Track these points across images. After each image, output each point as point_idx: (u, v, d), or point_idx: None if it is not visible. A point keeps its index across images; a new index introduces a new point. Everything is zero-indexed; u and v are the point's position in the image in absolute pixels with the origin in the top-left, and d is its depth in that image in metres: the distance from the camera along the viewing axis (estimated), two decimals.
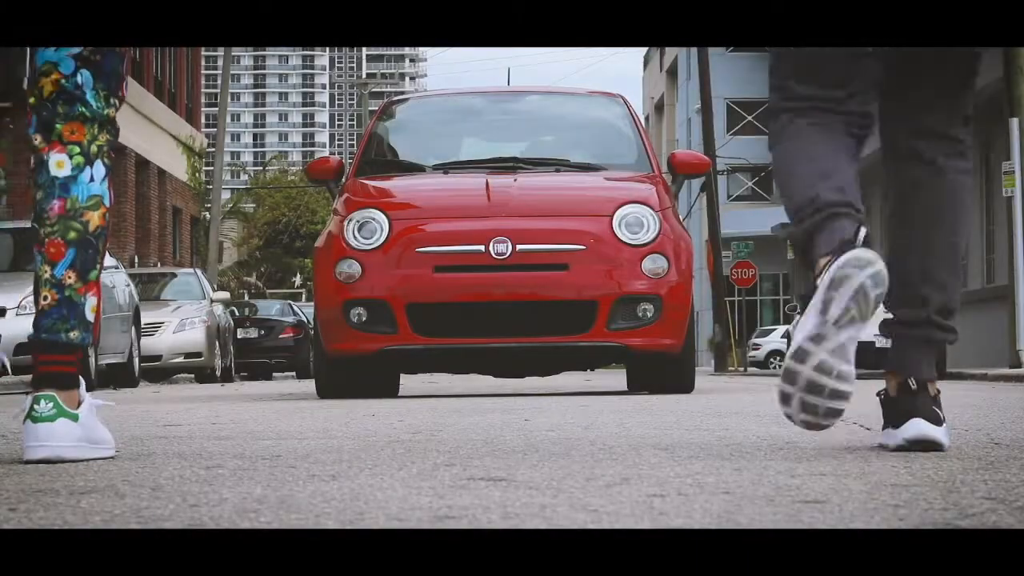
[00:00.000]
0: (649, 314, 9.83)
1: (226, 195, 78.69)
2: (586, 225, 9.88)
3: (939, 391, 3.79)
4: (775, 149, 3.78)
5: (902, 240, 3.82)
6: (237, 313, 31.86)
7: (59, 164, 3.60)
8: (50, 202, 3.58)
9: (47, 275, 3.58)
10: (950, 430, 3.70)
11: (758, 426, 5.07)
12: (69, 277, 3.57)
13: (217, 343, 24.40)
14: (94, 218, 3.61)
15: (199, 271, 27.80)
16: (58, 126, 3.65)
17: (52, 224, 3.58)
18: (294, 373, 32.85)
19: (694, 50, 52.87)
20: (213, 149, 42.96)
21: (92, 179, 3.63)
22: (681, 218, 10.61)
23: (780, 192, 3.73)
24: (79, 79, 3.66)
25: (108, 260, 17.66)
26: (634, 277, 9.81)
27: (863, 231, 3.50)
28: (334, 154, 33.91)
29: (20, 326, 15.77)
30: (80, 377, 3.59)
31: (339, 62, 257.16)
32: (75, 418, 3.52)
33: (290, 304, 36.49)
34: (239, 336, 30.42)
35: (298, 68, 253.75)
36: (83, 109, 3.66)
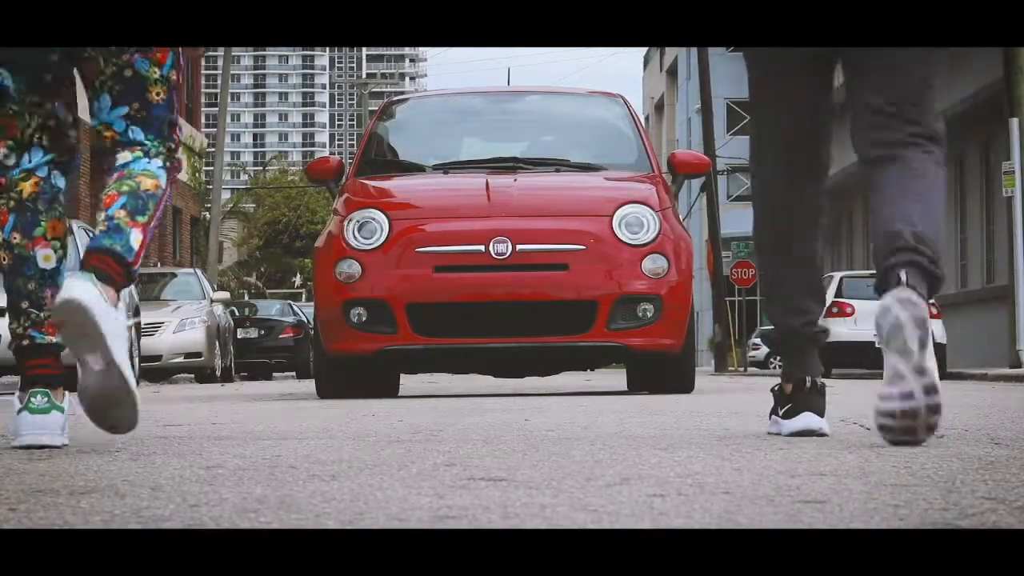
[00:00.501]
0: (649, 314, 9.82)
1: (226, 195, 78.72)
2: (586, 225, 9.88)
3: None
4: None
5: (882, 207, 4.20)
6: (237, 313, 31.87)
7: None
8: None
9: (101, 216, 4.01)
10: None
11: (758, 426, 5.07)
12: (119, 212, 3.98)
13: (217, 343, 24.39)
14: (147, 181, 4.06)
15: (199, 271, 27.79)
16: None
17: (109, 187, 4.05)
18: (294, 373, 32.85)
19: (694, 50, 52.89)
20: (213, 149, 42.96)
21: (151, 166, 4.09)
22: (681, 218, 10.61)
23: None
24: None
25: None
26: (634, 277, 9.81)
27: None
28: (334, 154, 33.88)
29: None
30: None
31: (339, 62, 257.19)
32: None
33: (290, 304, 36.49)
34: (239, 336, 30.43)
35: (298, 68, 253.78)
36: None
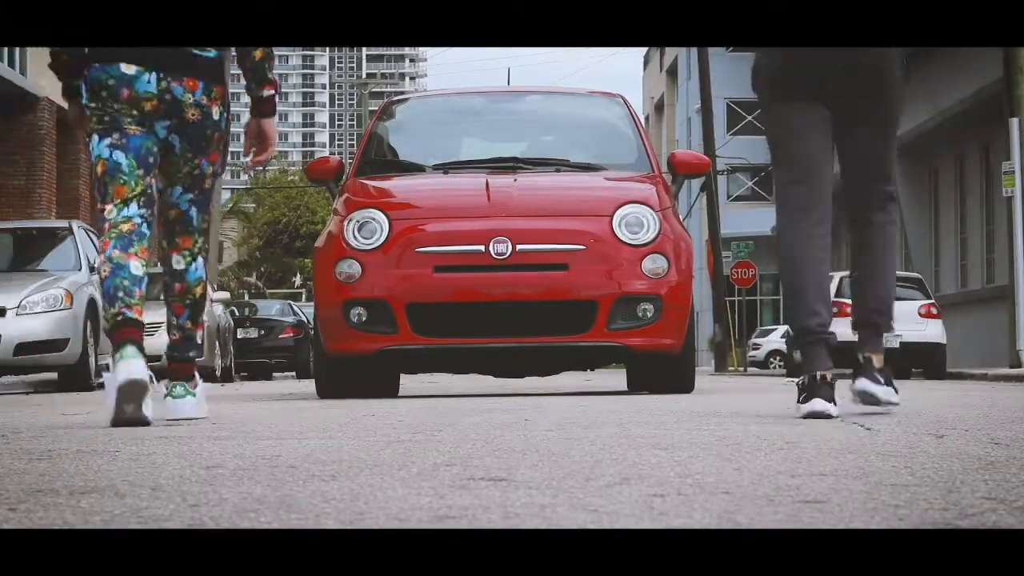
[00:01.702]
0: (649, 314, 9.82)
1: (226, 195, 78.68)
2: (586, 225, 9.88)
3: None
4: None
5: (858, 281, 6.26)
6: (237, 313, 31.86)
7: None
8: (173, 284, 6.25)
9: (174, 322, 6.23)
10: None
11: (758, 426, 5.07)
12: (187, 324, 6.25)
13: (217, 343, 24.38)
14: (198, 290, 6.25)
15: None
16: (176, 239, 6.24)
17: (175, 295, 6.25)
18: (294, 373, 32.84)
19: (694, 50, 52.88)
20: None
21: (197, 269, 6.25)
22: (681, 218, 10.60)
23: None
24: (191, 210, 6.22)
25: None
26: (634, 277, 9.81)
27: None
28: (334, 154, 33.84)
29: (20, 326, 15.76)
30: (196, 372, 6.25)
31: (339, 62, 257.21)
32: (194, 395, 6.15)
33: (290, 304, 36.47)
34: (239, 336, 30.41)
35: (298, 68, 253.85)
36: (190, 227, 6.25)
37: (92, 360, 16.43)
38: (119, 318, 5.72)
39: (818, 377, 5.66)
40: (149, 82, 5.85)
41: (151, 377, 5.64)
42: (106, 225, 5.88)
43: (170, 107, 5.91)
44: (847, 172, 6.05)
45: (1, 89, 27.95)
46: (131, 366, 5.58)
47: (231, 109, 6.09)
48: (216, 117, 6.01)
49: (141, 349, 5.67)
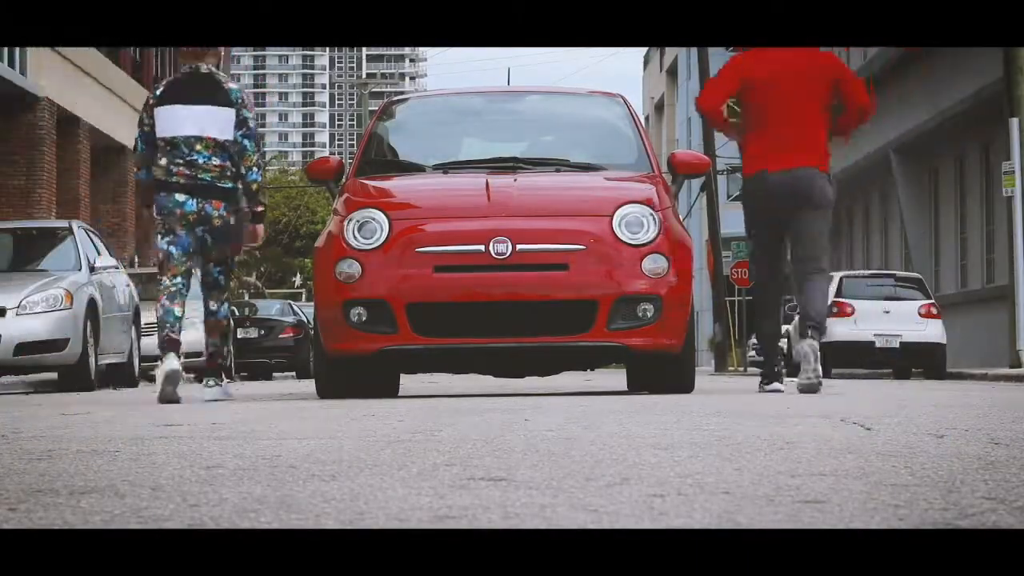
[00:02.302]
0: (649, 314, 9.82)
1: None
2: (586, 225, 9.87)
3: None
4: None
5: (803, 303, 10.17)
6: (237, 313, 31.85)
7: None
8: (208, 318, 10.50)
9: (208, 340, 10.56)
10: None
11: (758, 426, 5.07)
12: (217, 342, 10.59)
13: None
14: (224, 322, 10.56)
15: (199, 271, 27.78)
16: (212, 292, 10.47)
17: (210, 326, 10.51)
18: (294, 373, 32.84)
19: (694, 50, 52.87)
20: None
21: (223, 311, 10.51)
22: (681, 218, 10.60)
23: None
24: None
25: (108, 260, 17.73)
26: (634, 277, 9.80)
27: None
28: (334, 154, 33.81)
29: (20, 326, 15.76)
30: (222, 372, 10.33)
31: (339, 62, 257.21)
32: (220, 386, 10.11)
33: (290, 304, 36.47)
34: (239, 336, 30.42)
35: (298, 68, 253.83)
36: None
37: (92, 360, 16.43)
38: (166, 337, 9.71)
39: (774, 368, 10.59)
40: (191, 205, 9.88)
41: (183, 373, 9.64)
42: (162, 287, 9.94)
43: (203, 218, 9.91)
44: (794, 251, 10.43)
45: (1, 89, 27.94)
46: (172, 363, 9.53)
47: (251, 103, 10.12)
48: (233, 223, 10.05)
49: (178, 355, 9.62)
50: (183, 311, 9.83)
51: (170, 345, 9.62)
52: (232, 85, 10.02)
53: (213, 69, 9.94)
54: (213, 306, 10.31)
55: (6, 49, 27.84)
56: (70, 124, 31.32)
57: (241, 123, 9.90)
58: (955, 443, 4.05)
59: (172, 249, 9.88)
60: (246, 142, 9.92)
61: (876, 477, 2.98)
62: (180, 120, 9.84)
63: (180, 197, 9.80)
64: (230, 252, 10.26)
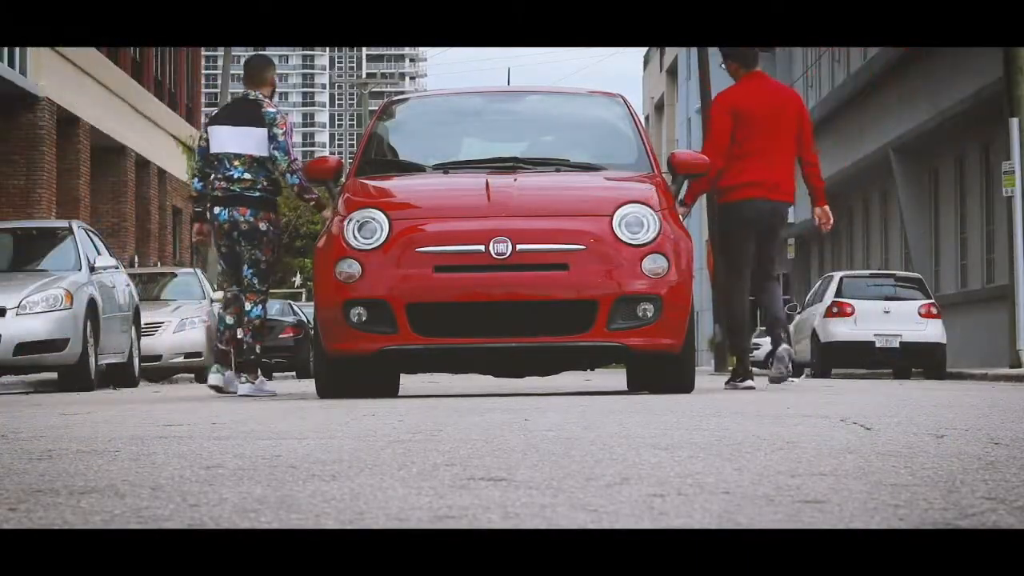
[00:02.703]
0: (649, 314, 9.81)
1: None
2: (586, 225, 9.87)
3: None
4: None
5: (765, 308, 12.02)
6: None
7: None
8: (243, 317, 11.51)
9: (241, 337, 11.45)
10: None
11: (758, 426, 5.07)
12: (250, 340, 11.44)
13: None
14: (257, 321, 11.48)
15: (199, 271, 27.79)
16: (247, 294, 11.69)
17: (244, 323, 11.47)
18: (294, 373, 32.84)
19: (694, 50, 52.86)
20: None
21: (256, 311, 11.48)
22: (681, 218, 10.60)
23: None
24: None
25: (108, 260, 17.73)
26: (634, 277, 9.80)
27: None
28: (334, 154, 33.71)
29: (20, 326, 15.76)
30: (257, 369, 11.49)
31: (339, 62, 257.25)
32: (252, 384, 11.30)
33: (290, 304, 36.46)
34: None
35: (298, 68, 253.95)
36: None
37: (92, 360, 16.42)
38: (215, 348, 11.68)
39: (744, 367, 12.05)
40: (224, 215, 11.35)
41: (225, 374, 11.44)
42: (221, 296, 11.75)
43: (233, 224, 11.34)
44: (758, 263, 12.02)
45: (1, 89, 27.94)
46: (211, 379, 11.47)
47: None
48: (263, 228, 11.47)
49: (222, 369, 11.39)
50: (236, 318, 11.33)
51: (217, 356, 11.48)
52: (270, 108, 11.49)
53: (260, 96, 11.54)
54: (248, 306, 11.34)
55: (6, 49, 27.84)
56: (70, 124, 31.32)
57: (272, 138, 11.35)
58: (955, 443, 4.05)
59: (220, 263, 11.74)
60: (276, 153, 11.35)
61: (876, 477, 2.97)
62: (224, 139, 11.45)
63: (216, 210, 11.38)
64: (263, 256, 11.43)
